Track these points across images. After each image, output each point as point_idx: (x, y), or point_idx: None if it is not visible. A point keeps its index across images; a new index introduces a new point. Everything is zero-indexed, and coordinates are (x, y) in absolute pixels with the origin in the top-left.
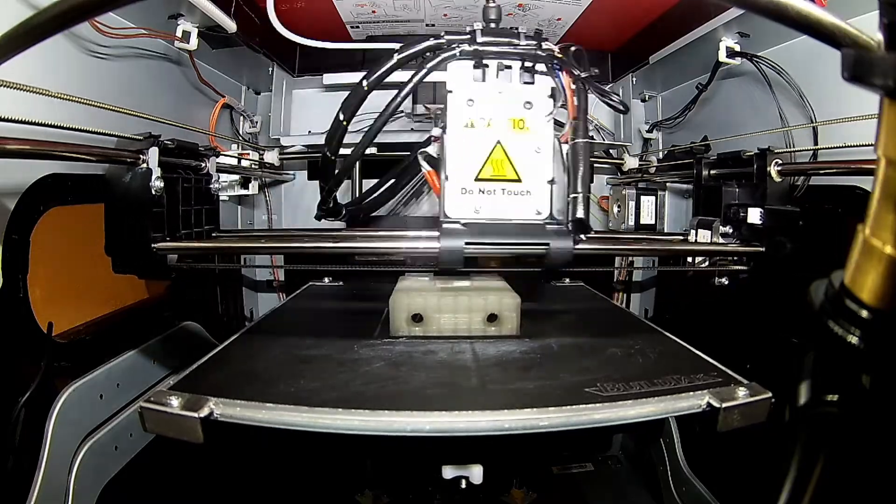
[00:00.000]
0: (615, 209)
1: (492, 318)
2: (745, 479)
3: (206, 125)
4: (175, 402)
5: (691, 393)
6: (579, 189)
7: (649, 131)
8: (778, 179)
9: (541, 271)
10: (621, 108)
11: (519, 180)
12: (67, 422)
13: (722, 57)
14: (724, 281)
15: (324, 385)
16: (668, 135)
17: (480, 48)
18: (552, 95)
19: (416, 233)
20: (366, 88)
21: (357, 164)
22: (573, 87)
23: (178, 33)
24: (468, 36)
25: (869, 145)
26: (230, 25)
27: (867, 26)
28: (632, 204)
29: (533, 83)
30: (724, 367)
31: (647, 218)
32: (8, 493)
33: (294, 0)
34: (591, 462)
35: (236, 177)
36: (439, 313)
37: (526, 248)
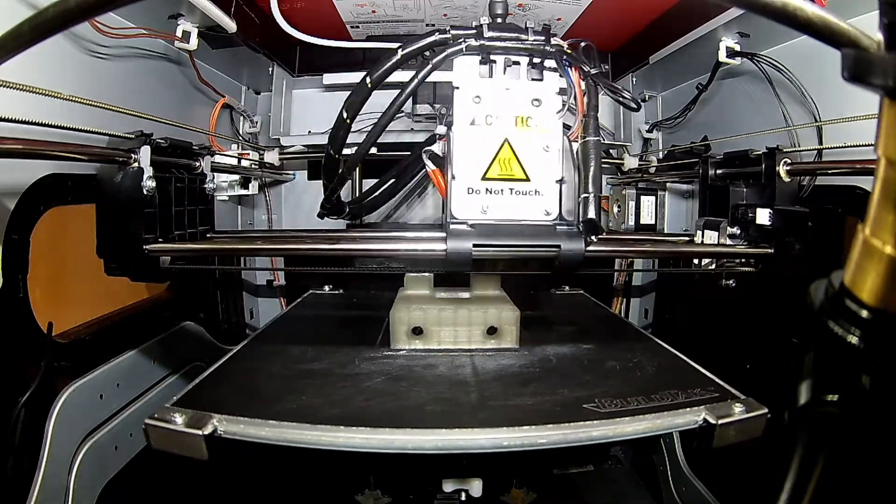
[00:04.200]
0: (615, 209)
1: (491, 330)
2: (745, 479)
3: (206, 125)
4: (179, 419)
5: (688, 409)
6: (590, 189)
7: (649, 131)
8: (787, 179)
9: (541, 277)
10: (633, 105)
11: (527, 180)
12: (67, 422)
13: (722, 57)
14: (731, 283)
15: (326, 401)
16: (669, 135)
17: (487, 43)
18: (561, 92)
19: (420, 234)
20: (369, 86)
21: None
22: (583, 83)
23: (178, 33)
24: (474, 31)
25: (873, 145)
26: (230, 25)
27: (867, 26)
28: (632, 204)
29: (541, 80)
30: (721, 382)
31: (647, 218)
32: (8, 493)
33: (294, 0)
34: (591, 462)
35: (236, 177)
36: (439, 326)
37: (537, 250)
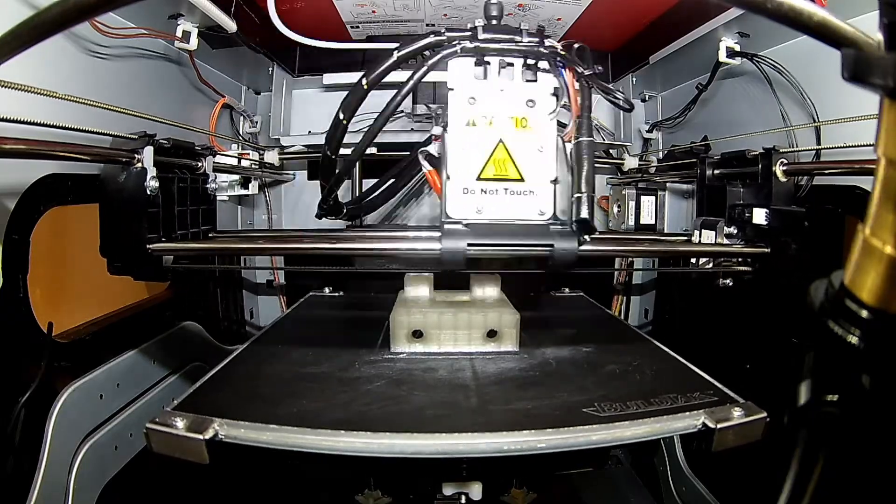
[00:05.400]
0: (615, 209)
1: (491, 334)
2: (745, 480)
3: (206, 125)
4: (180, 423)
5: (687, 413)
6: (583, 189)
7: (649, 131)
8: (783, 179)
9: (541, 278)
10: (626, 106)
11: (522, 180)
12: (67, 422)
13: (722, 57)
14: (728, 282)
15: (326, 405)
16: (668, 135)
17: (482, 45)
18: (555, 93)
19: (416, 233)
20: (365, 87)
21: (357, 163)
22: (576, 84)
23: (178, 33)
24: (469, 32)
25: (872, 145)
26: (230, 25)
27: (867, 26)
28: (632, 204)
29: (535, 81)
30: (720, 385)
31: (647, 218)
32: (8, 493)
33: (294, 0)
34: (592, 464)
35: (236, 177)
36: (439, 329)
37: (530, 249)
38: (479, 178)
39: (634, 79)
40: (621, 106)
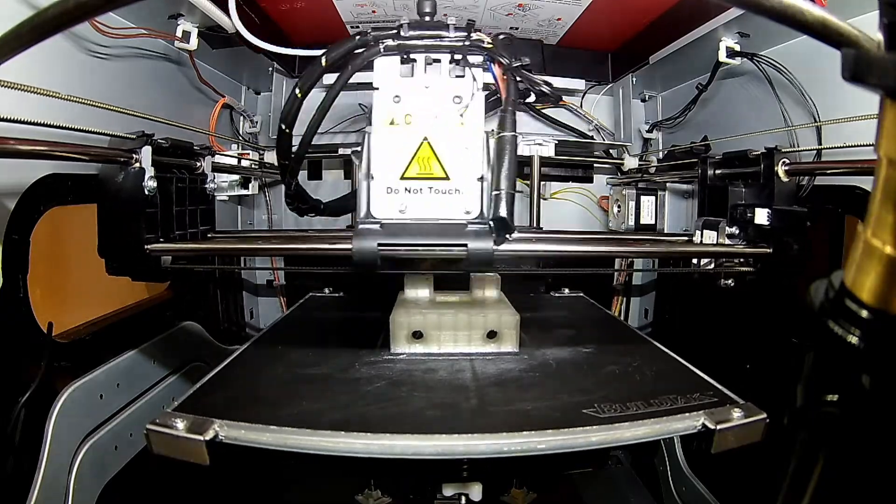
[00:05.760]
0: (615, 209)
1: (491, 334)
2: (745, 480)
3: (206, 125)
4: (180, 424)
5: (687, 414)
6: (503, 185)
7: (649, 131)
8: (785, 179)
9: (541, 280)
10: (553, 98)
11: (447, 178)
12: (67, 422)
13: (722, 57)
14: (730, 283)
15: (326, 406)
16: (669, 135)
17: (406, 42)
18: (484, 88)
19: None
20: (299, 95)
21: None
22: (504, 77)
23: (178, 33)
24: (394, 31)
25: (872, 145)
26: (230, 25)
27: (867, 26)
28: (632, 204)
29: (464, 76)
30: (720, 386)
31: (647, 218)
32: (8, 493)
33: (294, 0)
34: (592, 464)
35: (236, 177)
36: (439, 330)
37: (443, 249)
38: (402, 178)
39: (634, 79)
40: (549, 97)
